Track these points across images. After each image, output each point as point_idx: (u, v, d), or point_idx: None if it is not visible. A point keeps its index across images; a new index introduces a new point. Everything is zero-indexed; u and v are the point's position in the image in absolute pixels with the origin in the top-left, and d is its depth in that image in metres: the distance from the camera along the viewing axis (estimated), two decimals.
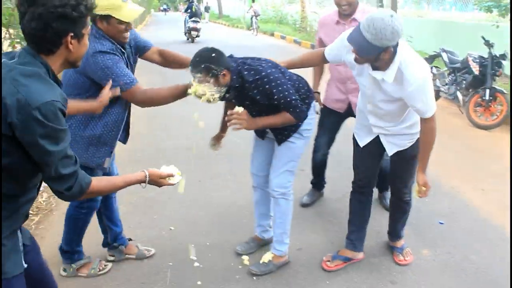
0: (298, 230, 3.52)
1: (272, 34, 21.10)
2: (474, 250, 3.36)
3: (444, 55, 7.62)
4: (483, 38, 6.85)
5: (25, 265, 1.61)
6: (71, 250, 3.00)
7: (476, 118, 6.57)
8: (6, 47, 5.00)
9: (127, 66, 2.67)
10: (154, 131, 6.05)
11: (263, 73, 2.62)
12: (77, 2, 1.47)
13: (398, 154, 2.93)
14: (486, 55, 6.76)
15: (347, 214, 3.27)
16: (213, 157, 5.05)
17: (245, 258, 3.19)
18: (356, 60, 2.54)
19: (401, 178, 3.06)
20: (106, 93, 2.41)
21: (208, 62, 2.52)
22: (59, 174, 1.48)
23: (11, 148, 1.40)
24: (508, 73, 8.88)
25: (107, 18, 2.50)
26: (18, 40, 4.93)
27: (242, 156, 5.08)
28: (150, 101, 2.68)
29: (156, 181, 2.03)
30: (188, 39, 18.09)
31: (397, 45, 2.45)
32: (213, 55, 2.55)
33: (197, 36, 17.74)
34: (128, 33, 2.62)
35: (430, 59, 8.08)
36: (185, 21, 18.76)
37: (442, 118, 6.96)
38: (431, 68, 7.82)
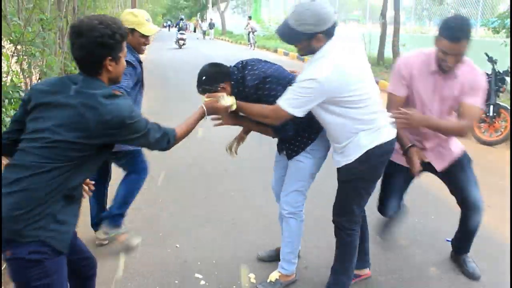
0: (305, 248, 3.50)
1: (276, 51, 21.25)
2: (480, 268, 3.33)
3: None
4: (487, 54, 6.87)
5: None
6: (121, 213, 3.52)
7: (480, 134, 6.56)
8: (13, 63, 5.05)
9: (141, 75, 3.33)
10: None
11: (262, 76, 2.64)
12: (112, 32, 1.84)
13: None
14: (489, 72, 6.78)
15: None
16: (219, 174, 5.06)
17: (252, 276, 3.17)
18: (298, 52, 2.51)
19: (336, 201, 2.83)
20: None
21: (203, 84, 2.66)
22: (156, 139, 2.04)
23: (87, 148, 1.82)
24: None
25: (132, 31, 3.14)
26: (26, 57, 4.98)
27: (248, 173, 5.10)
28: None
29: (213, 107, 2.45)
30: (177, 46, 23.74)
31: (328, 34, 2.35)
32: (204, 77, 2.66)
33: (184, 44, 23.71)
34: (146, 46, 3.32)
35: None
36: (176, 34, 25.07)
37: None
38: None
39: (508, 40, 8.38)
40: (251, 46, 24.40)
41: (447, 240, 3.68)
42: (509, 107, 6.45)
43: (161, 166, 5.30)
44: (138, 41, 3.24)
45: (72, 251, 2.03)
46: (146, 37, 3.26)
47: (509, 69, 6.72)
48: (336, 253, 2.89)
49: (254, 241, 3.60)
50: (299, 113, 2.39)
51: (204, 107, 2.39)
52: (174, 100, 9.10)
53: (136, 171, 3.54)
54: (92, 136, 1.79)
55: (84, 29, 1.81)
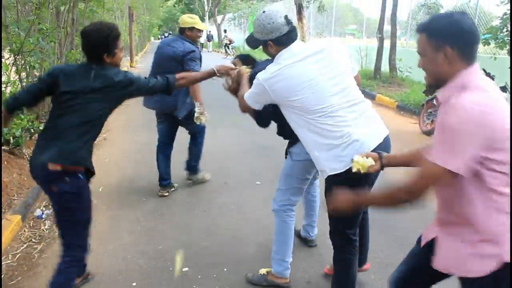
0: (308, 262, 3.47)
1: None
2: None
3: None
4: (484, 70, 6.91)
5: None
6: (198, 163, 5.15)
7: None
8: (13, 75, 5.03)
9: (200, 58, 4.56)
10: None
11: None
12: (106, 34, 2.54)
13: None
14: None
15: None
16: (219, 187, 5.04)
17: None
18: None
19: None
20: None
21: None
22: (153, 83, 2.81)
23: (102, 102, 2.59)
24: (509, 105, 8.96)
25: (191, 29, 4.56)
26: (25, 68, 4.97)
27: (247, 186, 5.07)
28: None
29: (225, 68, 3.06)
30: None
31: (279, 42, 2.52)
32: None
33: None
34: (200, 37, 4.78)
35: (431, 90, 8.14)
36: None
37: None
38: (432, 99, 7.88)
39: (498, 53, 8.46)
40: (228, 56, 27.17)
41: None
42: None
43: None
44: (196, 35, 4.61)
45: None
46: (200, 31, 4.63)
47: (508, 84, 6.76)
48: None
49: (254, 254, 3.57)
50: (255, 106, 2.65)
51: (215, 68, 3.07)
52: None
53: (199, 132, 4.91)
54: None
55: (87, 34, 2.55)
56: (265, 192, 4.88)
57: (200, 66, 4.48)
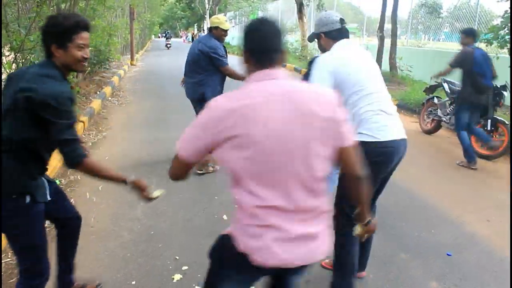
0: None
1: None
2: (481, 283, 3.32)
3: (445, 85, 7.67)
4: None
5: (49, 198, 2.38)
6: None
7: (478, 148, 6.58)
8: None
9: (225, 54, 5.41)
10: (157, 157, 6.03)
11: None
12: (58, 23, 2.18)
13: None
14: None
15: None
16: (219, 185, 5.04)
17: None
18: None
19: None
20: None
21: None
22: (63, 138, 2.14)
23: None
24: (509, 103, 8.96)
25: (216, 28, 5.36)
26: (26, 64, 4.97)
27: None
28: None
29: (138, 187, 2.55)
30: (166, 48, 34.79)
31: (330, 36, 2.88)
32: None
33: (170, 46, 35.44)
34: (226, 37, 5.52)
35: (431, 89, 8.14)
36: (165, 40, 37.30)
37: (444, 148, 6.99)
38: (433, 98, 7.87)
39: (500, 52, 8.45)
40: None
41: (448, 254, 3.67)
42: (506, 122, 6.48)
43: (162, 175, 5.28)
44: (220, 33, 5.39)
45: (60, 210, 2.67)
46: (225, 31, 5.43)
47: (508, 83, 6.75)
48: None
49: None
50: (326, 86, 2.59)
51: (128, 182, 2.46)
52: (170, 112, 9.08)
53: None
54: None
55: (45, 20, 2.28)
56: None
57: (226, 61, 5.40)
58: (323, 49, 2.94)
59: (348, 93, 2.67)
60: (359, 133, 2.66)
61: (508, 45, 7.48)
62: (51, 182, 2.52)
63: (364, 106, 2.67)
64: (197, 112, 5.60)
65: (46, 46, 2.23)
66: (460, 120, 6.26)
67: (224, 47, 5.48)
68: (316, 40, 3.01)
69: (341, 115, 1.73)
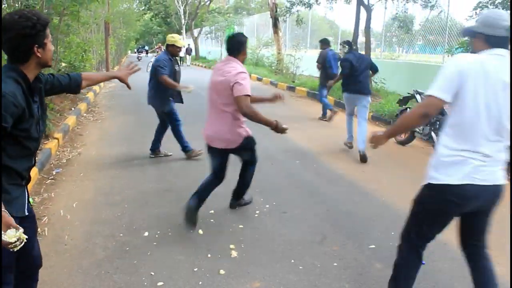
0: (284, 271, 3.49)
1: (249, 76, 21.43)
2: None
3: (418, 96, 7.84)
4: None
5: (27, 213, 2.24)
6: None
7: None
8: None
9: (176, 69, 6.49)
10: (132, 172, 5.98)
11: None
12: (33, 24, 2.06)
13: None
14: None
15: (331, 258, 3.25)
16: None
17: None
18: None
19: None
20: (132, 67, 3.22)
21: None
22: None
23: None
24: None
25: (172, 45, 6.37)
26: None
27: (223, 199, 5.06)
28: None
29: (125, 73, 3.08)
30: (137, 60, 34.27)
31: (488, 41, 2.45)
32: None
33: (140, 58, 36.64)
34: (180, 52, 6.61)
35: (404, 100, 8.30)
36: (137, 54, 39.74)
37: (418, 158, 7.11)
38: (406, 109, 8.02)
39: None
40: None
41: (422, 263, 3.71)
42: None
43: (136, 191, 5.25)
44: (175, 50, 6.44)
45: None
46: (180, 47, 6.47)
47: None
48: None
49: (231, 269, 3.57)
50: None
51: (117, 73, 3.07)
52: (145, 126, 9.03)
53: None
54: None
55: (7, 25, 2.04)
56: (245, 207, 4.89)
57: (167, 72, 6.25)
58: (474, 49, 2.57)
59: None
60: None
61: None
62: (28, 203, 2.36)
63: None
64: (161, 120, 6.77)
65: (23, 50, 2.09)
66: (321, 92, 10.35)
67: (176, 60, 6.62)
68: (469, 38, 2.65)
69: None
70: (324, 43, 10.50)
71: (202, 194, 4.36)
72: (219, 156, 4.32)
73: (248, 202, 4.94)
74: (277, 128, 4.15)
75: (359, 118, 7.13)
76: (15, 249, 1.94)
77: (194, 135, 8.21)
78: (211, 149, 4.33)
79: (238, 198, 4.83)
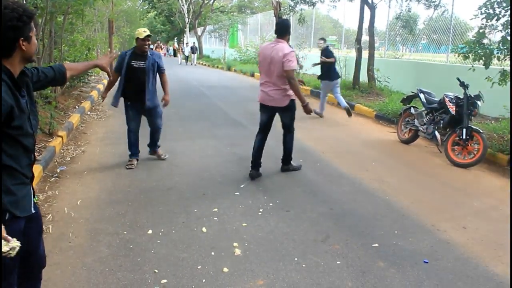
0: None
1: (253, 75, 21.42)
2: None
3: (421, 95, 7.83)
4: (458, 79, 7.07)
5: (33, 210, 2.24)
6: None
7: (454, 156, 6.70)
8: None
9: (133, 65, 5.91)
10: (135, 170, 6.00)
11: None
12: (19, 15, 1.97)
13: None
14: (461, 96, 6.98)
15: (334, 256, 3.23)
16: (197, 198, 5.04)
17: None
18: None
19: None
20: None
21: None
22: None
23: None
24: (484, 113, 9.15)
25: (136, 39, 5.86)
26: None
27: (225, 197, 5.08)
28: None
29: (106, 61, 2.94)
30: None
31: None
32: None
33: None
34: (146, 45, 5.90)
35: (408, 99, 8.29)
36: None
37: (421, 157, 7.10)
38: (410, 108, 8.01)
39: (475, 64, 8.63)
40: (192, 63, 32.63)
41: (425, 262, 3.72)
42: (481, 131, 6.62)
43: (139, 189, 5.26)
44: (139, 44, 5.81)
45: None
46: (142, 39, 5.78)
47: (481, 93, 6.92)
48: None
49: (234, 267, 3.58)
50: None
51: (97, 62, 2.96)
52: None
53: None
54: None
55: None
56: (244, 203, 4.90)
57: (114, 67, 6.09)
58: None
59: None
60: None
61: (483, 59, 7.64)
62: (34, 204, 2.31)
63: None
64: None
65: (8, 43, 2.00)
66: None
67: (141, 55, 5.92)
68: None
69: None
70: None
71: (257, 159, 5.77)
72: (269, 112, 5.73)
73: (297, 167, 6.09)
74: (306, 108, 5.64)
75: (336, 94, 10.42)
76: (12, 255, 1.90)
77: (197, 134, 8.24)
78: (263, 107, 5.75)
79: (286, 163, 6.04)
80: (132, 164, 6.13)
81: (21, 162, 2.12)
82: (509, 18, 7.36)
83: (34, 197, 2.28)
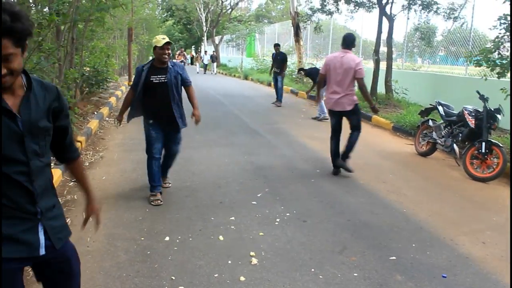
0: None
1: (269, 84, 21.45)
2: None
3: (440, 108, 7.78)
4: (478, 92, 7.01)
5: (42, 252, 1.87)
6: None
7: (472, 170, 6.63)
8: None
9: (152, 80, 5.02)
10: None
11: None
12: (28, 20, 1.65)
13: None
14: (480, 109, 6.92)
15: (351, 268, 3.21)
16: (214, 206, 5.05)
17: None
18: None
19: None
20: None
21: None
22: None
23: None
24: (504, 127, 9.05)
25: (154, 48, 5.00)
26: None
27: (242, 206, 5.09)
28: None
29: None
30: None
31: None
32: None
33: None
34: (165, 54, 4.97)
35: (426, 111, 8.24)
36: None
37: (439, 170, 7.04)
38: (428, 120, 7.96)
39: (490, 74, 8.56)
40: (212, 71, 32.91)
41: (444, 276, 3.68)
42: (501, 144, 6.55)
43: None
44: (157, 53, 4.96)
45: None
46: (161, 47, 4.91)
47: (501, 107, 6.85)
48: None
49: (251, 276, 3.58)
50: None
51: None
52: None
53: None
54: None
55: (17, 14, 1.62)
56: (261, 212, 4.91)
57: (133, 83, 5.16)
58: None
59: None
60: None
61: (498, 68, 7.59)
62: (59, 238, 1.99)
63: None
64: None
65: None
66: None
67: (161, 68, 5.03)
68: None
69: None
70: None
71: (336, 156, 6.47)
72: (338, 117, 6.44)
73: (350, 169, 6.43)
74: (374, 108, 6.54)
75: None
76: None
77: (214, 142, 8.28)
78: (332, 112, 6.44)
79: (344, 158, 6.49)
80: (158, 199, 5.14)
81: (9, 193, 1.76)
82: None
83: (48, 236, 1.92)
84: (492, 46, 7.69)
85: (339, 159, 6.49)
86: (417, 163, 7.48)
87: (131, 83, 5.21)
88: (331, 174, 6.47)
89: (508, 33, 7.59)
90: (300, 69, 14.59)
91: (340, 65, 6.20)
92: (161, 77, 5.00)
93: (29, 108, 1.79)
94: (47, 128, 1.88)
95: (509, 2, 7.45)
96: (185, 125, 5.27)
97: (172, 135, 5.28)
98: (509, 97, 7.42)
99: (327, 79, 6.40)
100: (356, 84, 6.32)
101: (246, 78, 26.18)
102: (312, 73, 12.46)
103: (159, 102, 5.04)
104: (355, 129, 6.50)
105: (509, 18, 7.53)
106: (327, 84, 6.46)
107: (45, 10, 7.85)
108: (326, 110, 11.04)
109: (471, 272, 3.80)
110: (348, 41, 6.38)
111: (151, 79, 4.99)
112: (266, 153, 7.53)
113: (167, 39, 4.95)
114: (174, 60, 5.51)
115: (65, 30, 8.37)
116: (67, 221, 3.09)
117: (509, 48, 7.94)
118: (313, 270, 3.69)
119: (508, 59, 7.52)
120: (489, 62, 7.79)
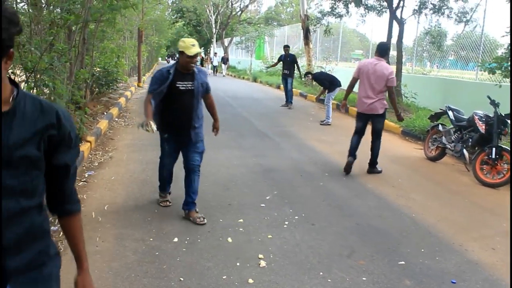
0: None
1: (278, 87, 21.45)
2: None
3: (450, 113, 7.74)
4: (489, 97, 6.98)
5: None
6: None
7: (482, 176, 6.59)
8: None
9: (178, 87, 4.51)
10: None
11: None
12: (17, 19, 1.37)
13: None
14: (491, 114, 6.88)
15: (360, 272, 3.20)
16: (223, 208, 5.06)
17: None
18: None
19: None
20: None
21: None
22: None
23: None
24: None
25: (182, 53, 4.38)
26: (37, 84, 5.04)
27: (251, 208, 5.09)
28: None
29: None
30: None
31: None
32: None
33: (169, 62, 26.02)
34: (193, 63, 4.46)
35: (436, 116, 8.21)
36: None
37: (448, 175, 7.00)
38: (437, 125, 7.92)
39: (504, 81, 8.52)
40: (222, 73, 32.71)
41: (453, 282, 3.66)
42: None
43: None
44: (185, 60, 4.39)
45: None
46: (190, 57, 4.36)
47: (510, 111, 6.81)
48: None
49: (259, 279, 3.57)
50: None
51: None
52: None
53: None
54: None
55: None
56: (269, 215, 4.91)
57: (153, 89, 4.51)
58: None
59: None
60: None
61: None
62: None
63: None
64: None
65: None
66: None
67: (187, 74, 4.53)
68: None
69: None
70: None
71: (354, 150, 6.70)
72: (365, 120, 6.75)
73: (379, 171, 6.85)
74: (400, 116, 6.94)
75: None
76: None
77: (223, 143, 8.29)
78: (361, 115, 6.75)
79: (372, 166, 6.86)
80: (167, 200, 5.09)
81: None
82: None
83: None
84: (505, 54, 7.66)
85: (368, 168, 6.86)
86: (426, 168, 7.45)
87: (140, 84, 5.16)
88: (340, 177, 6.46)
89: None
90: (307, 73, 14.54)
91: (373, 71, 6.46)
92: (188, 84, 4.52)
93: (9, 128, 1.37)
94: (31, 159, 1.42)
95: (509, 2, 7.40)
96: (200, 138, 4.78)
97: (191, 145, 4.73)
98: None
99: (360, 83, 6.65)
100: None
101: (255, 80, 26.19)
102: (319, 77, 12.43)
103: (179, 111, 4.59)
104: (377, 136, 6.79)
105: None
106: (359, 88, 6.68)
107: (57, 10, 7.91)
108: (331, 117, 11.47)
109: (481, 278, 3.77)
110: (382, 50, 6.66)
111: (177, 85, 4.48)
112: (275, 156, 7.52)
113: (197, 48, 4.40)
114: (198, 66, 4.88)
115: (77, 30, 8.43)
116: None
117: None
118: (321, 273, 3.68)
119: None
120: (503, 69, 7.76)
